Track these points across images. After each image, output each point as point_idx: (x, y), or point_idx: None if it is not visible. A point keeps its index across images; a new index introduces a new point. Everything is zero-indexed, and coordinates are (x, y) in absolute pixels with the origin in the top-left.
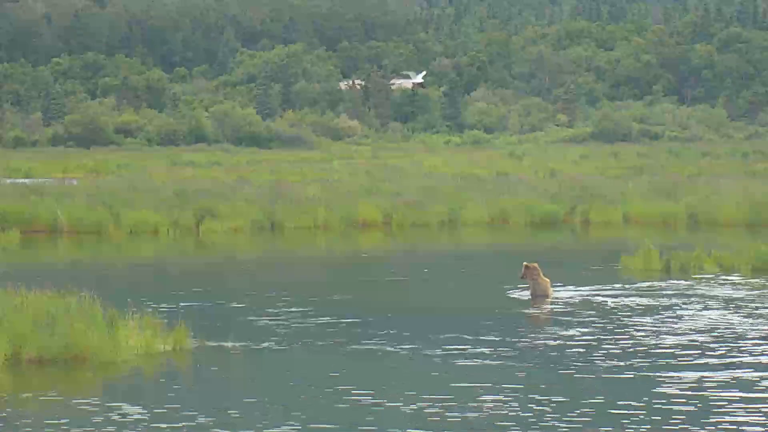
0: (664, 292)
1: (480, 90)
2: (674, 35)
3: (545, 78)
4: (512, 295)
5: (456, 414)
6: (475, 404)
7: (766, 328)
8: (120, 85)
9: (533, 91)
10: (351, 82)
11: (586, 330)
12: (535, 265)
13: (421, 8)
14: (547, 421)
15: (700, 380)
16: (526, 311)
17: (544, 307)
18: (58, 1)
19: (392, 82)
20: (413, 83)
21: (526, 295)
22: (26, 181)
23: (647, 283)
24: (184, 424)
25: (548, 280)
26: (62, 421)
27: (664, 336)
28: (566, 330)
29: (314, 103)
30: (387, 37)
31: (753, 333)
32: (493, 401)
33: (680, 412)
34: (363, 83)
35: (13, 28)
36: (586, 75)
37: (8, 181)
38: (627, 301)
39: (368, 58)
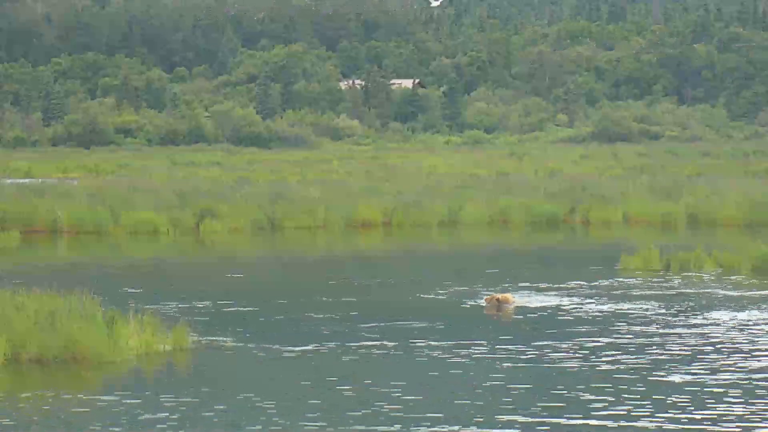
0: (663, 292)
1: (480, 90)
2: (674, 35)
3: (545, 78)
4: (512, 296)
5: (453, 414)
6: (477, 405)
7: (765, 327)
8: (120, 85)
9: (533, 91)
10: (351, 82)
11: (585, 330)
12: (506, 297)
13: (421, 8)
14: (546, 419)
15: (700, 380)
16: (525, 312)
17: (544, 306)
18: (58, 1)
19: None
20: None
21: (525, 293)
22: (26, 181)
23: (647, 283)
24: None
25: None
26: (62, 420)
27: (664, 336)
28: (566, 330)
29: (314, 103)
30: (387, 37)
31: (753, 333)
32: (494, 401)
33: (679, 412)
34: (363, 83)
35: (13, 28)
36: (586, 75)
37: (8, 181)
38: (627, 301)
39: (368, 58)
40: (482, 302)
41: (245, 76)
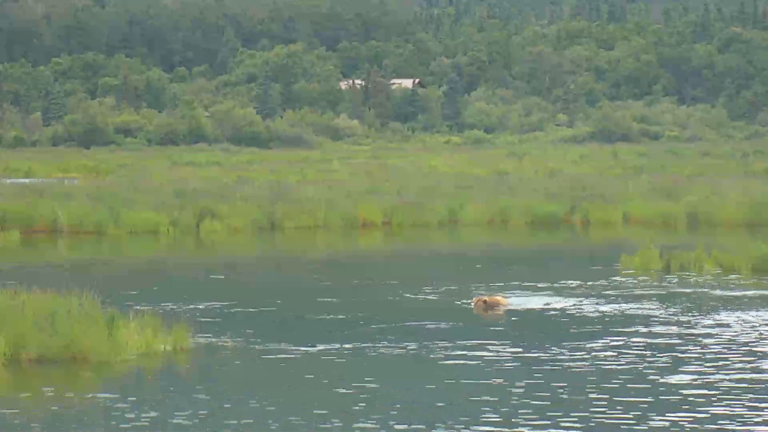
0: (663, 292)
1: (480, 90)
2: (674, 35)
3: (545, 78)
4: (511, 296)
5: (454, 415)
6: (478, 407)
7: (765, 328)
8: (120, 85)
9: (533, 91)
10: (351, 82)
11: (585, 330)
12: (496, 299)
13: (421, 8)
14: (545, 420)
15: (700, 381)
16: (524, 313)
17: (544, 307)
18: (58, 1)
19: None
20: None
21: (523, 293)
22: (26, 181)
23: (647, 283)
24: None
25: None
26: (62, 420)
27: (664, 336)
28: (565, 330)
29: (314, 103)
30: (387, 37)
31: (753, 333)
32: (495, 403)
33: (678, 413)
34: (363, 83)
35: (13, 28)
36: (586, 75)
37: (8, 181)
38: (626, 301)
39: (368, 58)
40: (471, 304)
41: (245, 76)
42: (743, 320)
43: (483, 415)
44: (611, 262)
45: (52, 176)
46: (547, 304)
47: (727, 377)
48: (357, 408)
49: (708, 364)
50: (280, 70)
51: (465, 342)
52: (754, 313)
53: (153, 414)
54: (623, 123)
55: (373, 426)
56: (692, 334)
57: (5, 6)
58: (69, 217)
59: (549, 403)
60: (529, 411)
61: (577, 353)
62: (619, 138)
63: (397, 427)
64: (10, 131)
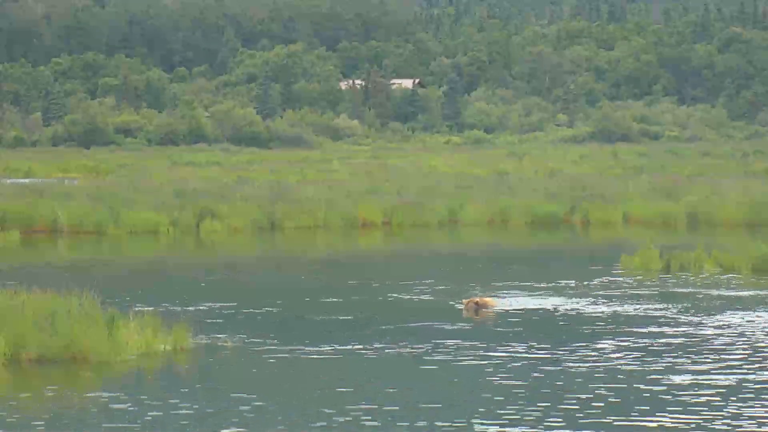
0: (663, 292)
1: (480, 90)
2: (674, 35)
3: (545, 78)
4: (510, 295)
5: (454, 415)
6: (479, 407)
7: (765, 328)
8: (120, 85)
9: (533, 91)
10: (351, 82)
11: (585, 329)
12: (486, 301)
13: (421, 8)
14: (545, 420)
15: (700, 381)
16: (524, 312)
17: (544, 307)
18: (58, 1)
19: None
20: None
21: (523, 293)
22: (26, 181)
23: (647, 283)
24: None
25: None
26: (62, 420)
27: (664, 336)
28: (565, 331)
29: (314, 103)
30: (387, 37)
31: (752, 333)
32: (497, 403)
33: (679, 413)
34: (363, 83)
35: (13, 28)
36: (586, 75)
37: (8, 181)
38: (626, 301)
39: (368, 58)
40: (460, 305)
41: (245, 76)
42: (743, 320)
43: (483, 415)
44: (611, 262)
45: (52, 176)
46: (547, 304)
47: (728, 377)
48: (357, 408)
49: (708, 364)
50: (280, 70)
51: (465, 342)
52: (754, 313)
53: (153, 414)
54: (623, 123)
55: (374, 426)
56: (692, 334)
57: (5, 6)
58: (69, 217)
59: (549, 403)
60: (530, 411)
61: (577, 353)
62: (619, 138)
63: (397, 427)
64: (10, 131)
